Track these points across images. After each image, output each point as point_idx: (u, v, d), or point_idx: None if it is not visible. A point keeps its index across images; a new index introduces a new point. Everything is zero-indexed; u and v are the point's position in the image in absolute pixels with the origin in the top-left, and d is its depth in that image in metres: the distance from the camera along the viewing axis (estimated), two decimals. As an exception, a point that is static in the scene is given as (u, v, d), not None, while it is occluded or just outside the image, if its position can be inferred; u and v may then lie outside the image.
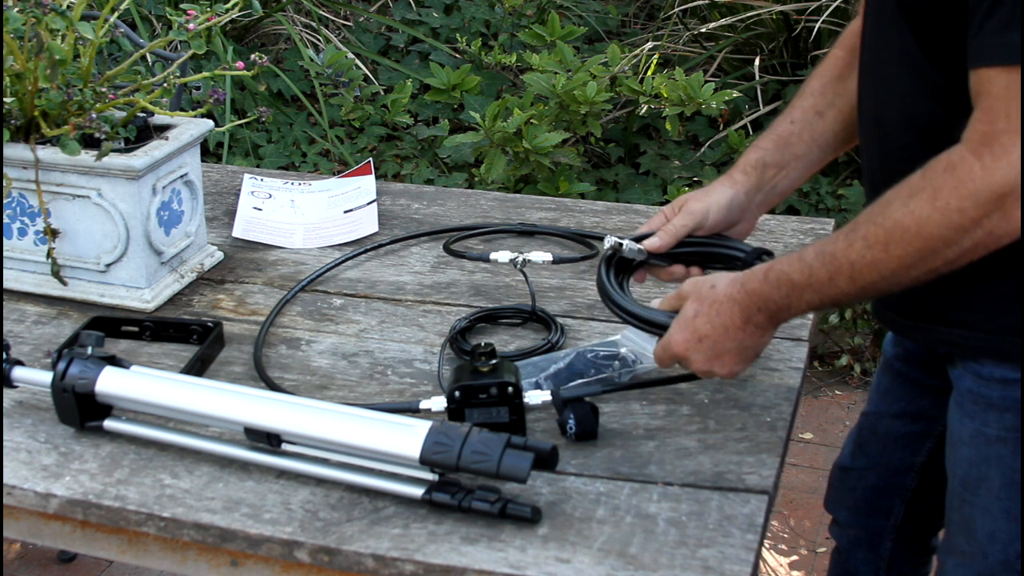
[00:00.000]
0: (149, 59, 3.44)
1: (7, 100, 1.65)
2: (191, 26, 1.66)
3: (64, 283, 1.71)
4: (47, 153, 1.65)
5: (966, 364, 1.37)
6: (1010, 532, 1.38)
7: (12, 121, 1.67)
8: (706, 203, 1.49)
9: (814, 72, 1.56)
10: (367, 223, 1.95)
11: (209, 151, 3.90)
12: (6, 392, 1.47)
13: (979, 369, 1.35)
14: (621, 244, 1.46)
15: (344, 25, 4.44)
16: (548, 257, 1.68)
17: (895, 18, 1.28)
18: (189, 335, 1.61)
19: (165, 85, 1.68)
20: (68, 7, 1.63)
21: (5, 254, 1.74)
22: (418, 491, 1.25)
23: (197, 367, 1.54)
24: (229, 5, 1.72)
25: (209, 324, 1.61)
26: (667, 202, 3.59)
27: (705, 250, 1.51)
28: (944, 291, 1.30)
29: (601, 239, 1.85)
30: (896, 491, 1.67)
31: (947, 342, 1.38)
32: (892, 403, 1.65)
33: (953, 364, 1.41)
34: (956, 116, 1.19)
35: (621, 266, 1.49)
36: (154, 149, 1.67)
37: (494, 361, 1.38)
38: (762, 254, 1.45)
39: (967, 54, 1.16)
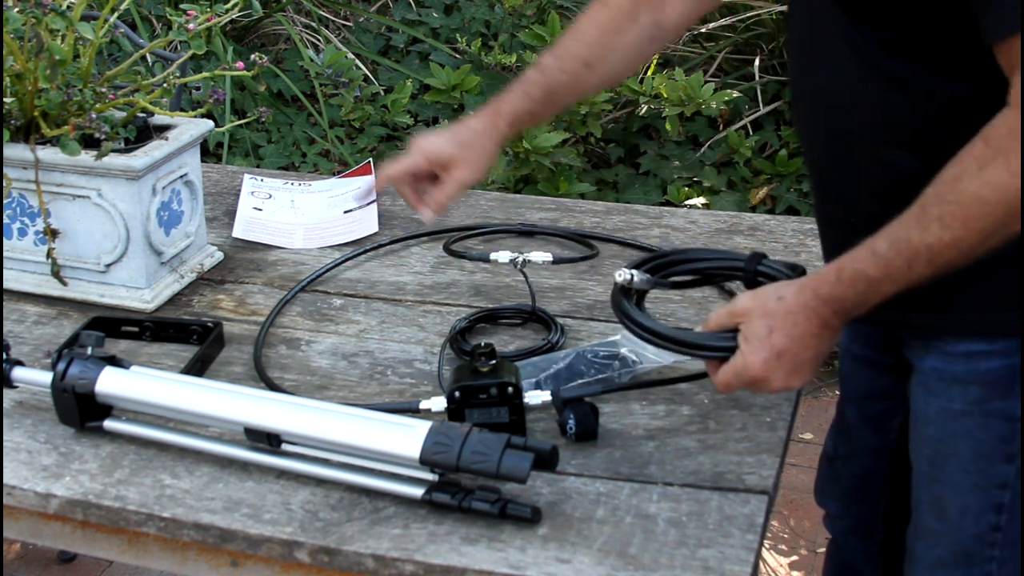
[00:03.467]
0: (149, 59, 3.44)
1: (7, 100, 1.65)
2: (191, 26, 1.66)
3: (64, 283, 1.71)
4: (47, 153, 1.65)
5: (928, 344, 1.38)
6: (980, 504, 1.39)
7: (12, 121, 1.67)
8: (477, 171, 1.57)
9: (587, 19, 1.56)
10: (367, 223, 1.95)
11: (209, 151, 3.90)
12: (6, 392, 1.47)
13: (942, 346, 1.36)
14: (632, 276, 1.41)
15: (344, 25, 4.44)
16: (548, 257, 1.68)
17: (833, 12, 1.28)
18: (189, 335, 1.61)
19: (165, 85, 1.68)
20: (68, 7, 1.63)
21: (5, 254, 1.74)
22: (418, 491, 1.25)
23: (197, 367, 1.54)
24: (229, 5, 1.72)
25: (209, 324, 1.61)
26: (668, 203, 3.60)
27: (706, 267, 1.48)
28: None
29: (601, 240, 1.86)
30: (880, 474, 1.68)
31: (907, 324, 1.39)
32: (857, 386, 1.66)
33: (910, 347, 1.42)
34: (906, 94, 1.24)
35: (632, 296, 1.43)
36: (154, 149, 1.67)
37: (494, 361, 1.38)
38: (761, 258, 1.44)
39: (983, 30, 1.15)
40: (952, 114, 1.22)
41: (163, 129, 1.75)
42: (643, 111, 3.61)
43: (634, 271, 1.41)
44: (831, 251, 1.47)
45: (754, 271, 1.42)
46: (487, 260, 1.71)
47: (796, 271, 1.40)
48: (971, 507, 1.40)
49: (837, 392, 1.72)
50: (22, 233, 1.72)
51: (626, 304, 1.39)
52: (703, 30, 4.06)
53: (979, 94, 1.19)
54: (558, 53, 1.58)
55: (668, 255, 1.48)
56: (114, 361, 1.40)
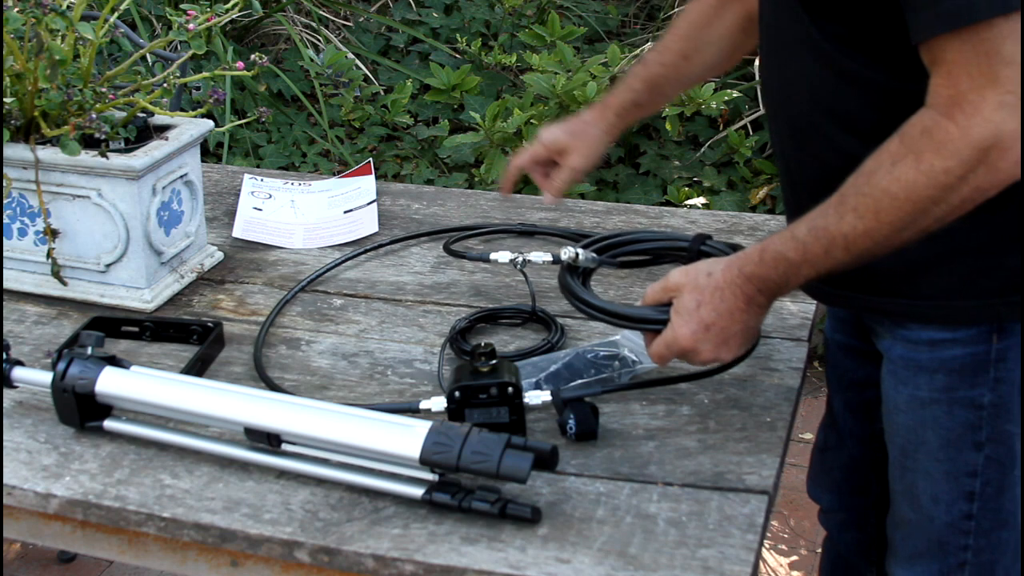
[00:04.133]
0: (149, 59, 3.44)
1: (7, 100, 1.65)
2: (191, 26, 1.66)
3: (64, 283, 1.71)
4: (47, 153, 1.65)
5: (894, 331, 1.40)
6: (951, 492, 1.41)
7: (12, 121, 1.67)
8: (588, 158, 1.69)
9: (682, 15, 1.66)
10: (367, 223, 1.95)
11: (209, 151, 3.90)
12: (6, 392, 1.47)
13: (907, 334, 1.39)
14: (578, 254, 1.47)
15: (344, 25, 4.44)
16: (548, 257, 1.68)
17: (792, 6, 1.32)
18: (189, 335, 1.61)
19: (165, 85, 1.68)
20: (68, 7, 1.63)
21: (5, 254, 1.74)
22: (418, 491, 1.25)
23: (197, 367, 1.54)
24: (229, 5, 1.72)
25: (209, 324, 1.61)
26: (668, 203, 3.59)
27: (651, 247, 1.54)
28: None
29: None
30: (869, 464, 1.68)
31: (872, 309, 1.41)
32: (841, 376, 1.68)
33: (879, 335, 1.44)
34: (861, 90, 1.29)
35: (579, 274, 1.49)
36: (154, 149, 1.67)
37: (494, 361, 1.38)
38: (704, 239, 1.48)
39: (910, 29, 1.19)
40: (897, 106, 1.24)
41: (163, 129, 1.75)
42: (643, 111, 3.59)
43: (580, 249, 1.47)
44: None
45: (697, 251, 1.48)
46: (487, 260, 1.71)
47: (736, 251, 1.44)
48: (942, 495, 1.42)
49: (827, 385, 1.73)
50: (22, 233, 1.72)
51: (571, 281, 1.45)
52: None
53: (920, 88, 1.21)
54: (658, 47, 1.70)
55: (615, 236, 1.54)
56: (114, 361, 1.40)
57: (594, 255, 1.49)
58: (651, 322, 1.37)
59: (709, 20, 1.62)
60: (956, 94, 1.16)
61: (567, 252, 1.47)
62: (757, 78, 3.77)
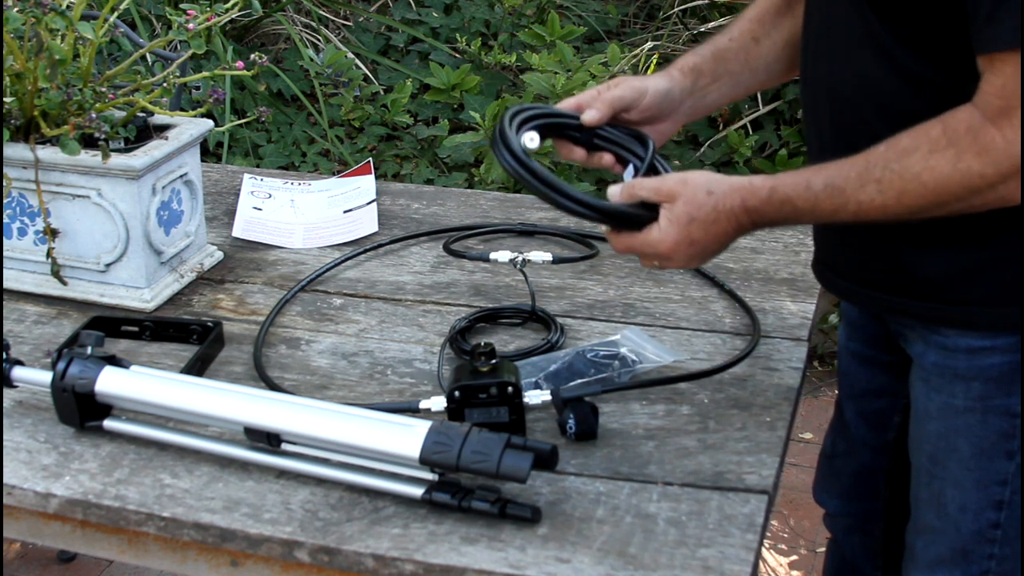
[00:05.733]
0: (149, 59, 3.44)
1: (7, 100, 1.65)
2: (191, 26, 1.66)
3: (64, 283, 1.71)
4: (47, 153, 1.65)
5: (927, 338, 1.39)
6: (980, 501, 1.40)
7: (12, 121, 1.67)
8: (645, 84, 1.51)
9: (753, 2, 1.61)
10: (367, 223, 1.95)
11: (209, 151, 3.90)
12: (6, 392, 1.47)
13: (943, 341, 1.37)
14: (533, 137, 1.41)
15: (344, 25, 4.44)
16: (548, 257, 1.68)
17: (858, 5, 1.30)
18: (189, 335, 1.61)
19: (165, 85, 1.68)
20: (68, 7, 1.63)
21: (5, 254, 1.74)
22: (418, 491, 1.25)
23: (197, 367, 1.54)
24: (229, 5, 1.72)
25: (209, 324, 1.61)
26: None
27: (615, 148, 1.49)
28: (899, 261, 1.34)
29: (601, 239, 1.85)
30: (879, 472, 1.68)
31: (906, 312, 1.40)
32: (855, 384, 1.67)
33: (909, 341, 1.43)
34: (919, 89, 1.27)
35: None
36: (154, 149, 1.67)
37: (494, 361, 1.38)
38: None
39: (973, 39, 1.19)
40: None
41: (163, 129, 1.75)
42: (643, 111, 3.60)
43: (532, 133, 1.43)
44: (828, 242, 1.48)
45: (592, 133, 1.47)
46: (487, 260, 1.71)
47: (640, 139, 1.47)
48: (971, 504, 1.40)
49: (837, 391, 1.72)
50: (22, 233, 1.72)
51: (537, 167, 1.38)
52: (703, 29, 4.06)
53: None
54: (726, 29, 1.62)
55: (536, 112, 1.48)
56: (114, 361, 1.40)
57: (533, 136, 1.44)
58: (635, 220, 1.35)
59: (780, 8, 1.57)
60: (1007, 107, 1.16)
61: (532, 139, 1.42)
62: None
